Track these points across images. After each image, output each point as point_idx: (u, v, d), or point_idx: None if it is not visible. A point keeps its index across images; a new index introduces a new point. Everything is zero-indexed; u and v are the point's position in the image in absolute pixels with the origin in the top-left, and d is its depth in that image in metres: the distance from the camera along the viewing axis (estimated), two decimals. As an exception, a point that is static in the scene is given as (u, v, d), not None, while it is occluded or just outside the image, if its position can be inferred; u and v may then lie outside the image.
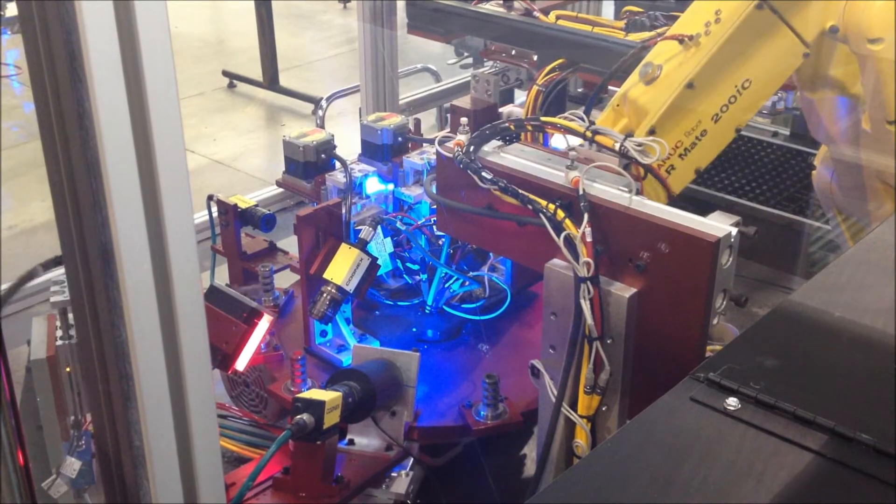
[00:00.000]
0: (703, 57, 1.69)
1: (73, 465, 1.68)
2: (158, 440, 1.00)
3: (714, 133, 1.75)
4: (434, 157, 1.84)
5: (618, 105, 1.81)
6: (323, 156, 2.08)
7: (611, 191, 1.50)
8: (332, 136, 2.12)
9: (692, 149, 1.75)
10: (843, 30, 1.69)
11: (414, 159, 2.06)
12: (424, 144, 2.12)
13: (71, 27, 0.85)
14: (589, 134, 1.55)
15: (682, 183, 1.78)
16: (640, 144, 1.51)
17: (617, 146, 1.52)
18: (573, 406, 1.49)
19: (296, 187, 2.12)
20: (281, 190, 3.32)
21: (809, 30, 1.71)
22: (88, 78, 0.86)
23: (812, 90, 1.90)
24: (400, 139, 2.09)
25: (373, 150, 2.10)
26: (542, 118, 1.64)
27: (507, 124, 1.67)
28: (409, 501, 1.75)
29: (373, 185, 2.06)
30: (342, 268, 1.88)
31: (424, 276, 2.10)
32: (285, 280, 2.25)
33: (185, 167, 0.95)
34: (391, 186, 2.08)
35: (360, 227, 1.95)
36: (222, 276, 2.27)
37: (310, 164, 2.08)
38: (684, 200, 1.64)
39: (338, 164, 2.07)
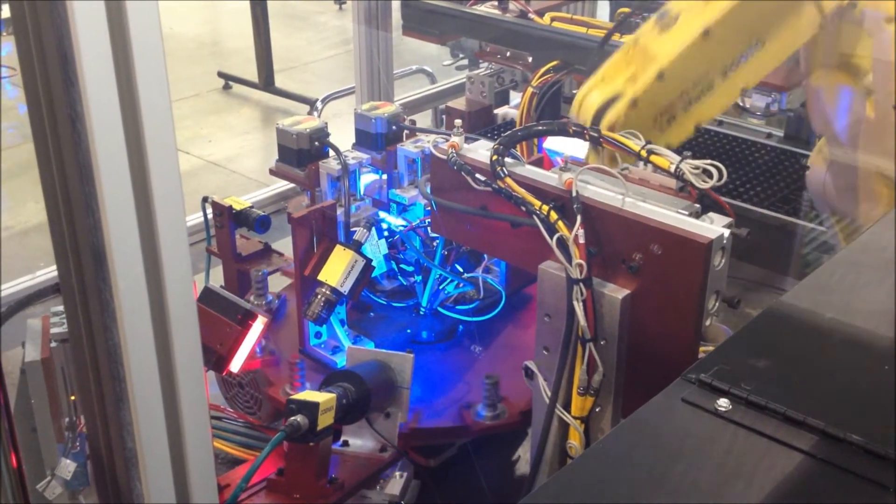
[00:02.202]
0: (723, 8, 1.68)
1: (67, 467, 1.68)
2: (151, 442, 1.00)
3: (720, 89, 1.74)
4: (428, 146, 1.82)
5: (628, 51, 1.80)
6: (316, 143, 2.07)
7: (604, 192, 1.50)
8: (326, 123, 2.11)
9: (696, 101, 1.74)
10: (861, 6, 1.68)
11: (408, 148, 2.05)
12: (418, 133, 2.10)
13: (63, 30, 0.86)
14: (644, 154, 1.54)
15: (681, 136, 1.77)
16: (696, 167, 1.48)
17: (672, 168, 1.51)
18: (567, 407, 1.49)
19: (289, 175, 2.11)
20: (276, 191, 3.33)
21: (827, 1, 1.71)
22: (81, 81, 0.87)
23: (819, 77, 1.89)
24: (394, 128, 2.08)
25: (367, 139, 2.08)
26: (603, 132, 1.60)
27: (546, 126, 1.65)
28: (403, 502, 1.75)
29: (367, 179, 2.06)
30: (337, 269, 1.88)
31: (419, 278, 2.10)
32: (280, 281, 2.25)
33: (178, 170, 0.96)
34: (385, 177, 2.07)
35: (354, 229, 1.95)
36: (217, 278, 2.27)
37: (303, 151, 2.06)
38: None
39: (331, 152, 2.06)
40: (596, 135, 1.59)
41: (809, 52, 1.85)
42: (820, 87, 1.91)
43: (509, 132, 1.66)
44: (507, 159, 1.61)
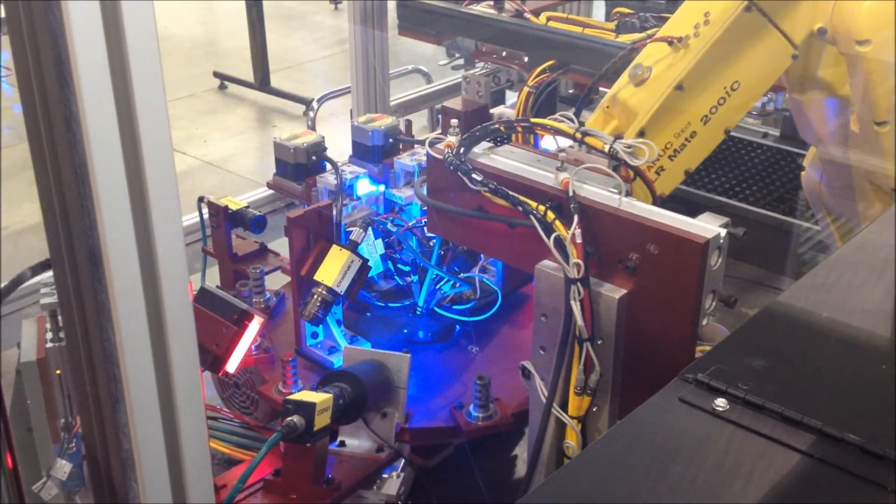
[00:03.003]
0: (692, 59, 1.70)
1: (63, 468, 1.67)
2: (147, 443, 1.00)
3: (703, 135, 1.76)
4: (425, 158, 1.84)
5: (608, 107, 1.81)
6: (314, 157, 2.08)
7: (600, 192, 1.50)
8: (323, 137, 2.12)
9: (682, 150, 1.76)
10: (832, 31, 1.69)
11: (405, 160, 2.05)
12: (415, 146, 2.11)
13: (58, 30, 0.85)
14: (578, 136, 1.55)
15: (671, 185, 1.78)
16: (629, 146, 1.51)
17: (606, 148, 1.52)
18: (564, 407, 1.49)
19: (287, 189, 2.11)
20: (272, 191, 3.32)
21: (798, 31, 1.72)
22: (76, 81, 0.86)
23: (801, 92, 1.91)
24: (391, 140, 2.09)
25: (364, 151, 2.09)
26: (532, 119, 1.63)
27: (497, 126, 1.67)
28: (399, 502, 1.74)
29: (364, 187, 2.06)
30: (333, 269, 1.88)
31: (415, 278, 2.10)
32: (276, 282, 2.25)
33: (173, 170, 0.95)
34: (382, 188, 2.08)
35: (350, 229, 1.95)
36: (213, 278, 2.26)
37: (300, 165, 2.07)
38: (673, 201, 1.64)
39: (328, 166, 2.07)
40: (527, 125, 1.62)
41: (787, 75, 1.86)
42: (801, 100, 1.91)
43: (468, 134, 1.66)
44: (501, 158, 1.62)
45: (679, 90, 1.70)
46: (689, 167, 1.79)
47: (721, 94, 1.73)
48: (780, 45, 1.72)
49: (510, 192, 1.52)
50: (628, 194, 1.49)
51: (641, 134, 1.71)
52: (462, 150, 1.62)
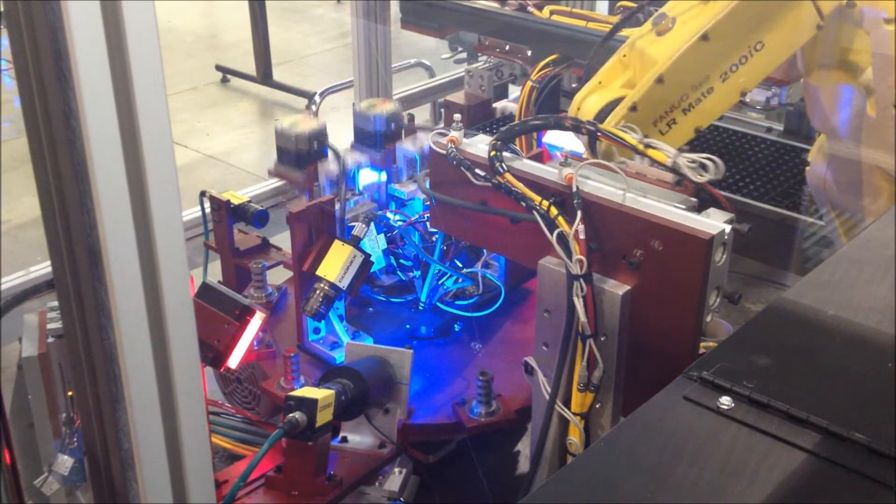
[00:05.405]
0: (720, 10, 1.67)
1: (65, 463, 1.67)
2: (147, 443, 1.00)
3: (720, 93, 1.74)
4: (427, 144, 1.82)
5: (624, 55, 1.79)
6: (315, 144, 2.06)
7: (604, 188, 1.49)
8: (325, 124, 2.10)
9: (696, 105, 1.74)
10: (860, 6, 1.68)
11: (407, 146, 2.04)
12: (418, 132, 2.09)
13: (57, 26, 0.85)
14: (641, 147, 1.53)
15: (681, 139, 1.77)
16: (693, 161, 1.48)
17: (669, 162, 1.50)
18: (566, 403, 1.48)
19: (288, 177, 2.10)
20: (274, 186, 3.32)
21: (826, 2, 1.70)
22: (75, 77, 0.86)
23: (817, 76, 1.89)
24: (393, 126, 2.08)
25: (366, 137, 2.07)
26: (599, 126, 1.59)
27: (550, 121, 1.64)
28: (402, 499, 1.74)
29: (366, 178, 2.05)
30: (335, 265, 1.87)
31: (418, 273, 2.09)
32: (278, 277, 2.24)
33: (174, 167, 0.94)
34: (384, 175, 2.06)
35: (353, 224, 1.94)
36: (215, 273, 2.26)
37: (302, 152, 2.06)
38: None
39: (330, 154, 2.05)
40: (593, 129, 1.58)
41: (807, 51, 1.84)
42: (818, 85, 1.90)
43: (507, 126, 1.65)
44: (506, 154, 1.60)
45: (704, 40, 1.67)
46: (701, 124, 1.77)
47: (744, 52, 1.70)
48: (808, 13, 1.70)
49: (513, 187, 1.51)
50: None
51: (660, 81, 1.68)
52: (499, 143, 1.60)
